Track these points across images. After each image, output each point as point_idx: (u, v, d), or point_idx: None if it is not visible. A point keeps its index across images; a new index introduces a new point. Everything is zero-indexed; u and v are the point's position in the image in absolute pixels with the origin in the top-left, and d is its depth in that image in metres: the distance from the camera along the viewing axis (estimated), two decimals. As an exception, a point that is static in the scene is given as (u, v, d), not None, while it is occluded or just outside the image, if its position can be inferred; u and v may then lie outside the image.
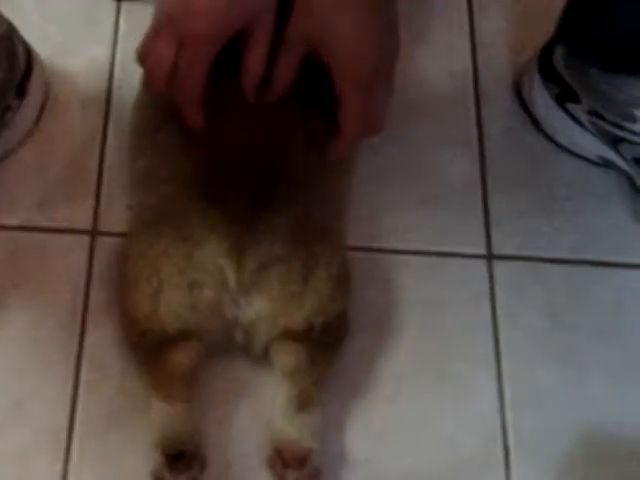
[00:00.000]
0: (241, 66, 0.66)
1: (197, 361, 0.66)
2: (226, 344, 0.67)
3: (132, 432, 0.66)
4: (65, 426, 0.67)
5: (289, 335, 0.66)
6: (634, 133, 0.75)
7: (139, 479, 0.65)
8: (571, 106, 0.79)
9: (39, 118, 0.77)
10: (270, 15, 0.65)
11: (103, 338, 0.70)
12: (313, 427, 0.66)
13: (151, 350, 0.66)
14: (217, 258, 0.64)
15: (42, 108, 0.77)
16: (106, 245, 0.73)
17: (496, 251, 0.77)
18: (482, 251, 0.77)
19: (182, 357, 0.65)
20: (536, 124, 0.82)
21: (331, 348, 0.68)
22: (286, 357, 0.66)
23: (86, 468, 0.66)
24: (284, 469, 0.65)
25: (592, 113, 0.77)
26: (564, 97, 0.79)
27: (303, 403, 0.65)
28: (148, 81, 0.68)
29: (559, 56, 0.78)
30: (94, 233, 0.74)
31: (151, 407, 0.65)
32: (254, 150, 0.67)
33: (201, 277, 0.64)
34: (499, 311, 0.74)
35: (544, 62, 0.80)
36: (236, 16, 0.64)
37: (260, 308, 0.65)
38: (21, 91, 0.74)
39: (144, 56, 0.67)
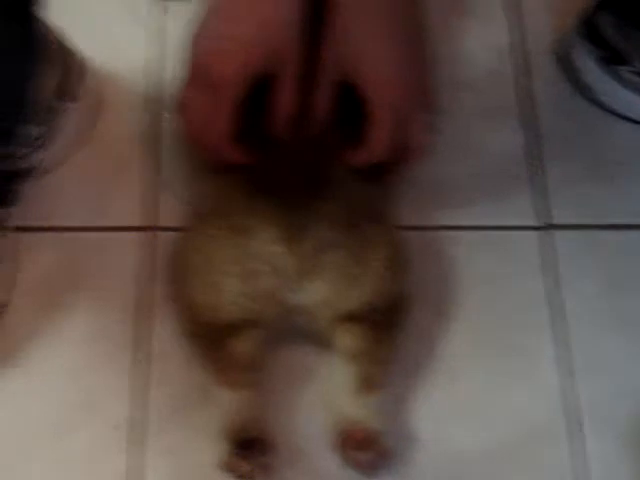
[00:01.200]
0: (271, 108, 0.66)
1: (259, 348, 0.66)
2: (287, 330, 0.67)
3: (203, 423, 0.67)
4: (136, 421, 0.67)
5: (351, 317, 0.66)
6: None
7: (212, 470, 0.65)
8: (620, 68, 0.77)
9: (92, 122, 0.77)
10: (295, 53, 0.64)
11: (168, 332, 0.70)
12: (380, 408, 0.65)
13: (213, 340, 0.66)
14: (273, 246, 0.64)
15: (95, 112, 0.77)
16: (166, 240, 0.73)
17: (550, 221, 0.76)
18: (536, 222, 0.76)
19: (244, 345, 0.66)
20: (584, 90, 0.81)
21: (393, 328, 0.68)
22: (349, 339, 0.66)
23: (159, 462, 0.66)
24: (354, 452, 0.65)
25: (640, 74, 0.76)
26: (612, 60, 0.78)
27: (368, 384, 0.65)
28: (186, 132, 0.68)
29: (605, 20, 0.76)
30: (154, 229, 0.74)
31: (216, 396, 0.66)
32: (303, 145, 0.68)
33: (258, 266, 0.65)
34: (557, 282, 0.74)
35: (589, 27, 0.79)
36: (258, 58, 0.63)
37: (318, 293, 0.65)
38: (73, 96, 0.74)
39: (180, 108, 0.68)
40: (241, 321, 0.65)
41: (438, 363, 0.71)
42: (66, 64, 0.73)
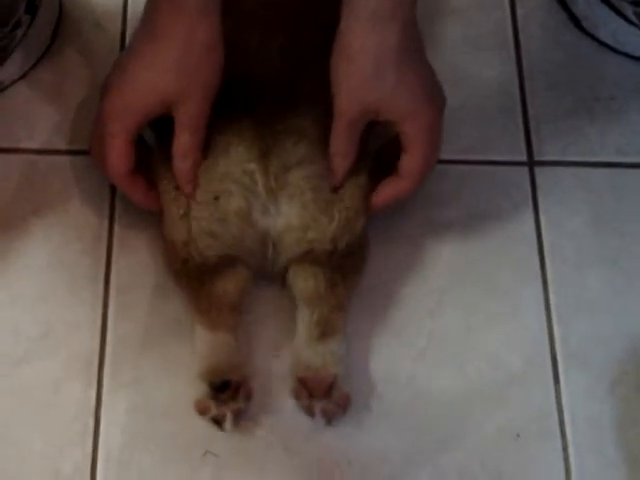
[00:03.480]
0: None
1: (243, 290, 0.64)
2: (267, 273, 0.65)
3: (165, 355, 0.65)
4: (96, 351, 0.65)
5: (309, 257, 0.63)
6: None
7: (173, 402, 0.63)
8: (614, -2, 0.74)
9: (53, 37, 0.74)
10: (197, 96, 0.60)
11: (130, 261, 0.68)
12: (337, 353, 0.63)
13: (195, 277, 0.64)
14: (244, 164, 0.62)
15: (56, 26, 0.74)
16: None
17: (537, 157, 0.74)
18: (523, 158, 0.74)
19: (227, 284, 0.64)
20: (576, 21, 0.78)
21: (352, 271, 0.65)
22: (304, 282, 0.64)
23: (120, 394, 0.64)
24: (310, 400, 0.63)
25: (638, 4, 0.72)
26: (609, -12, 0.74)
27: (324, 329, 0.63)
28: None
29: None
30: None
31: (195, 335, 0.64)
32: (277, 60, 0.65)
33: (228, 187, 0.62)
34: (542, 219, 0.71)
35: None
36: (152, 105, 0.60)
37: (289, 215, 0.62)
38: (32, 7, 0.70)
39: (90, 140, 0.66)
40: (221, 258, 0.63)
41: (414, 299, 0.68)
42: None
